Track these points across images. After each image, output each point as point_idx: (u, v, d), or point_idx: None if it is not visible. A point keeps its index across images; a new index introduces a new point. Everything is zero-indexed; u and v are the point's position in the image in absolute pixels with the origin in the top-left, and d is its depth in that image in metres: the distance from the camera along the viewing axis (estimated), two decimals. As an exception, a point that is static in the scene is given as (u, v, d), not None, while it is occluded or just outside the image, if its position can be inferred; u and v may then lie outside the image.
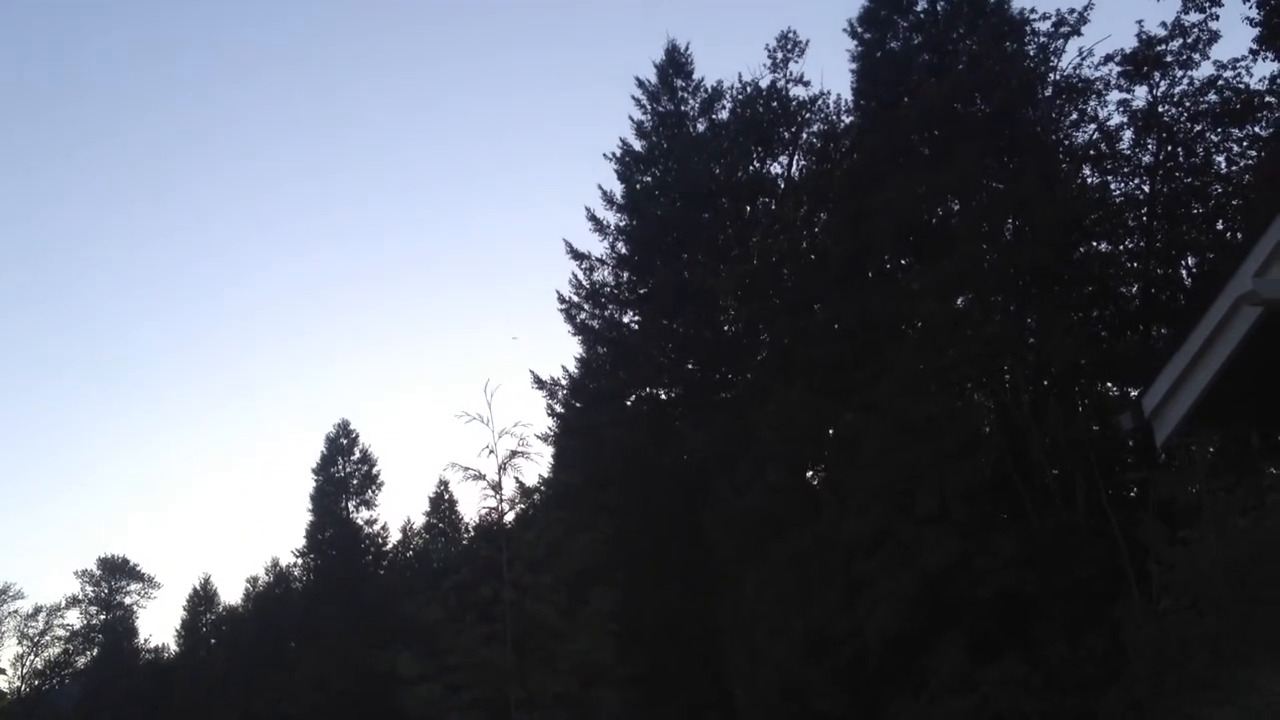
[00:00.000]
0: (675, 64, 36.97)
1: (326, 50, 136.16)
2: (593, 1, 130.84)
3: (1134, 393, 14.56)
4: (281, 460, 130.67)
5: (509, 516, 14.37)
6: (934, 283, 24.66)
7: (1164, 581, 15.34)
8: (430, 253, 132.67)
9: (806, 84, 33.86)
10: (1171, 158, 25.86)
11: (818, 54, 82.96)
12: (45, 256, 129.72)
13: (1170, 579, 14.48)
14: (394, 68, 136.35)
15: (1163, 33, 24.51)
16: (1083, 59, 26.25)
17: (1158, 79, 25.02)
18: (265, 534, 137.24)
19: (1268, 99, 24.03)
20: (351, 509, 64.13)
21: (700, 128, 36.39)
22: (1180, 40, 24.40)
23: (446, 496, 66.54)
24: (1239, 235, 23.96)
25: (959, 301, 25.70)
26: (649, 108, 36.77)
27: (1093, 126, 26.94)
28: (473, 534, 52.92)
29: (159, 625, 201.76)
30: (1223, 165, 25.53)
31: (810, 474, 30.80)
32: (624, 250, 36.41)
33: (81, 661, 77.33)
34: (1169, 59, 24.66)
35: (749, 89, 34.42)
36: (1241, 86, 24.20)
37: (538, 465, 41.73)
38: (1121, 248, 27.14)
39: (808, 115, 33.81)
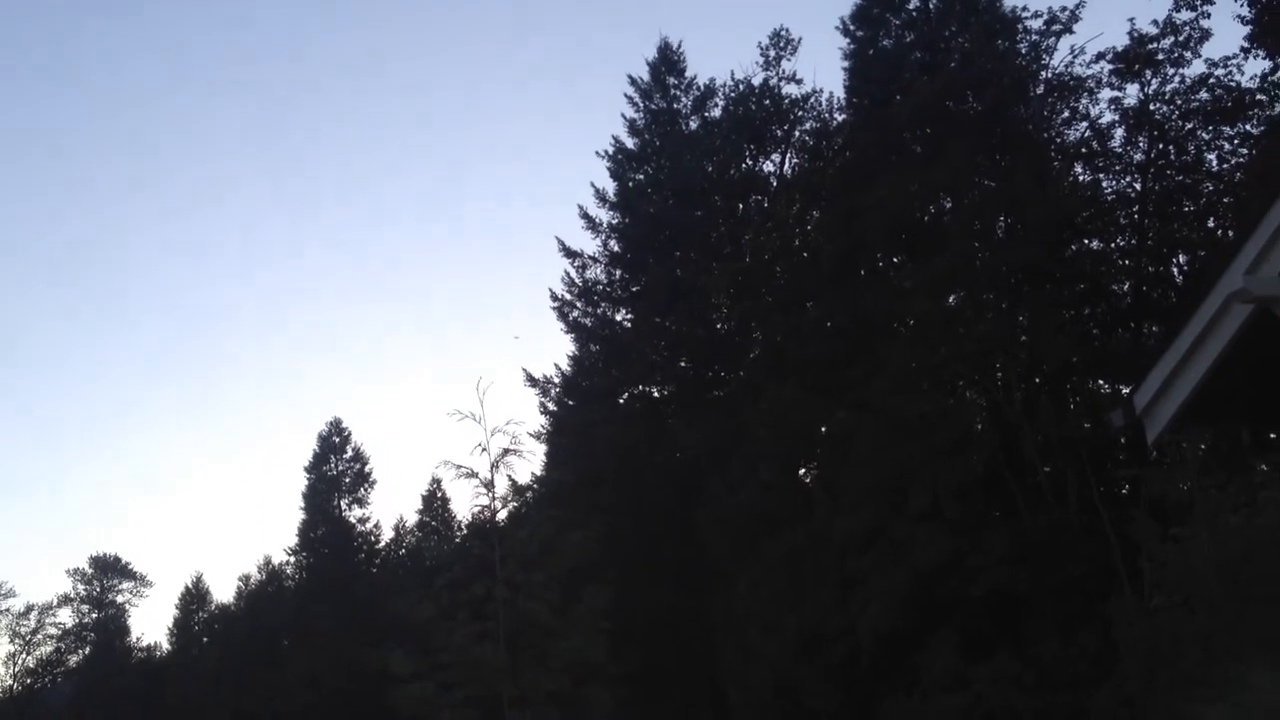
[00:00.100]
0: (668, 62, 36.96)
1: (316, 45, 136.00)
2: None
3: (1125, 390, 14.60)
4: (274, 458, 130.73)
5: (501, 514, 14.36)
6: (926, 280, 24.70)
7: (1156, 579, 15.33)
8: (422, 250, 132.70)
9: (799, 82, 33.99)
10: (1163, 155, 25.89)
11: (810, 52, 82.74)
12: (40, 256, 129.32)
13: (1162, 576, 14.49)
14: (385, 64, 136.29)
15: (1154, 31, 24.54)
16: (1074, 57, 26.31)
17: (1149, 77, 25.05)
18: (257, 532, 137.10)
19: (1259, 97, 24.05)
20: (344, 507, 64.10)
21: (693, 125, 36.42)
22: (1172, 38, 24.43)
23: (439, 495, 66.59)
24: (1230, 233, 24.02)
25: (951, 299, 25.76)
26: (641, 105, 36.78)
27: (1084, 124, 27.00)
28: (465, 532, 52.77)
29: (151, 624, 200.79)
30: (1214, 163, 25.59)
31: (803, 472, 30.84)
32: (616, 248, 36.41)
33: (73, 660, 77.04)
34: (1160, 57, 24.68)
35: (741, 87, 34.46)
36: (1233, 84, 24.24)
37: (530, 463, 41.10)
38: (1113, 245, 27.17)
39: (800, 113, 33.88)
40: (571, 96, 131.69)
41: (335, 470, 64.79)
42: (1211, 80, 24.44)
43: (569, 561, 13.67)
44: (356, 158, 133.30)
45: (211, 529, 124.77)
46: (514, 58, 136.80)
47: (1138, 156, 26.08)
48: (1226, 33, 56.08)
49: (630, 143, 36.68)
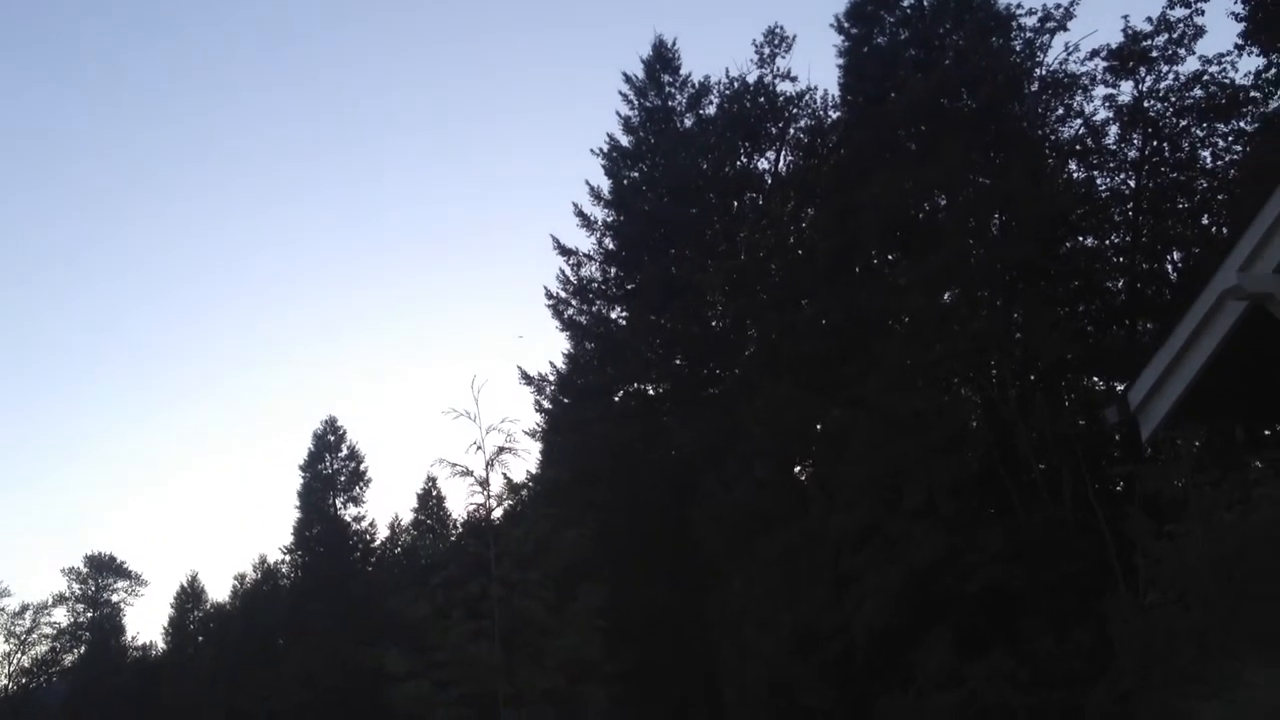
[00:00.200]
0: (663, 60, 36.93)
1: (312, 40, 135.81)
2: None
3: (1120, 387, 14.57)
4: (269, 457, 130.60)
5: (497, 513, 14.36)
6: (921, 278, 24.71)
7: (1150, 575, 15.33)
8: (417, 248, 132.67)
9: (794, 79, 33.89)
10: (1157, 153, 25.91)
11: (805, 49, 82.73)
12: (35, 255, 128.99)
13: (1157, 573, 14.48)
14: (381, 60, 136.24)
15: (1148, 28, 24.58)
16: (1069, 54, 26.36)
17: (1143, 74, 25.07)
18: (253, 531, 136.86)
19: (1253, 94, 24.10)
20: (339, 506, 64.05)
21: (688, 123, 36.39)
22: (1166, 35, 24.44)
23: (434, 493, 66.48)
24: (1224, 230, 24.05)
25: (946, 296, 25.76)
26: (636, 103, 36.75)
27: (1079, 121, 27.02)
28: (460, 530, 52.83)
29: (146, 623, 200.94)
30: (1208, 160, 25.63)
31: (798, 469, 30.82)
32: (611, 246, 36.37)
33: (69, 659, 77.02)
34: (1154, 54, 24.70)
35: (736, 84, 34.42)
36: (1227, 81, 24.28)
37: (525, 461, 41.68)
38: (1107, 242, 27.22)
39: (795, 111, 33.82)
40: (566, 94, 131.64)
41: (330, 469, 64.73)
42: (1205, 77, 24.49)
43: (564, 559, 13.65)
44: (351, 154, 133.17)
45: (207, 528, 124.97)
46: (509, 55, 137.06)
47: (1132, 153, 26.11)
48: (1220, 30, 56.19)
49: (625, 140, 36.68)
